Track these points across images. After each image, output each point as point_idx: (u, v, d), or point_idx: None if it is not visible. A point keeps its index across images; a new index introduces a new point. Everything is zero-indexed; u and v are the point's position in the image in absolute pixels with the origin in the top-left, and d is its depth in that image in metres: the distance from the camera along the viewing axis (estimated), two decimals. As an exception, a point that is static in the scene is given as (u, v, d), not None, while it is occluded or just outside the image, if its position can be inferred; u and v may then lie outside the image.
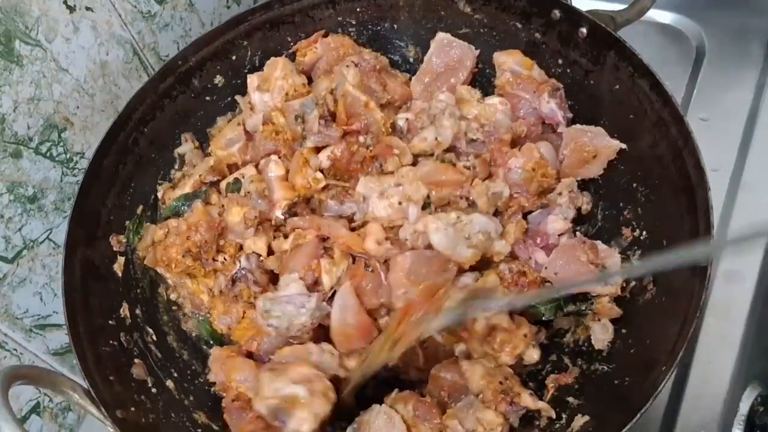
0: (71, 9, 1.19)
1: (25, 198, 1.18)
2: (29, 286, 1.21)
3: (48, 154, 1.21)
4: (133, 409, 1.06)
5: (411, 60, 1.47)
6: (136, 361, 1.15)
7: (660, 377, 0.94)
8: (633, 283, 1.16)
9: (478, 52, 1.36)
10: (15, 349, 1.20)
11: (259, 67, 1.40)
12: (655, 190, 1.16)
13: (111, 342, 1.13)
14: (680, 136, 1.10)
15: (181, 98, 1.33)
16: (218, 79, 1.38)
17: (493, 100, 1.26)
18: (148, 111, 1.27)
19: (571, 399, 1.11)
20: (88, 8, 1.23)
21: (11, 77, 1.10)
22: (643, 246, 1.17)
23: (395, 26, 1.44)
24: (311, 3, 1.38)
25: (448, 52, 1.35)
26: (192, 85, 1.34)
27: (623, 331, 1.13)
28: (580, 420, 1.05)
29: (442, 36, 1.35)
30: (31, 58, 1.14)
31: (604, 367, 1.12)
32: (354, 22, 1.43)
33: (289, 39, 1.42)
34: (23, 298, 1.20)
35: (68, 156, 1.25)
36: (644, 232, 1.18)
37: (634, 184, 1.20)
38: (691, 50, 1.61)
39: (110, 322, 1.16)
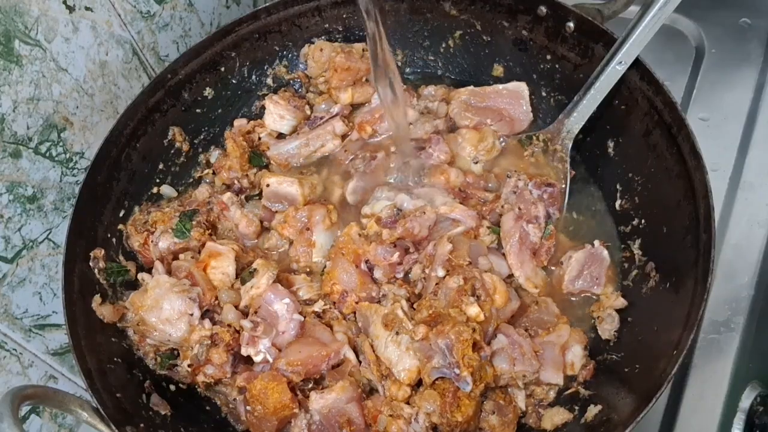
0: (71, 9, 1.20)
1: (25, 198, 1.18)
2: (29, 286, 1.21)
3: (47, 154, 1.21)
4: (142, 425, 1.05)
5: (399, 63, 1.47)
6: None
7: (671, 362, 0.93)
8: (635, 272, 1.16)
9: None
10: (14, 349, 1.19)
11: (247, 78, 1.41)
12: (651, 178, 1.16)
13: (115, 359, 1.13)
14: (674, 123, 1.10)
15: (171, 111, 1.33)
16: (208, 92, 1.38)
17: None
18: (139, 126, 1.28)
19: (582, 390, 1.10)
20: (87, 8, 1.23)
21: (11, 77, 1.11)
22: (642, 234, 1.17)
23: (382, 30, 1.45)
24: (298, 11, 1.39)
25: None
26: (182, 98, 1.34)
27: (629, 319, 1.13)
28: (593, 410, 1.05)
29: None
30: (31, 58, 1.14)
31: (613, 356, 1.11)
32: (341, 29, 1.44)
33: (277, 48, 1.42)
34: (23, 297, 1.20)
35: (68, 156, 1.25)
36: (642, 221, 1.18)
37: (630, 174, 1.20)
38: (690, 50, 1.61)
39: (113, 339, 1.16)
